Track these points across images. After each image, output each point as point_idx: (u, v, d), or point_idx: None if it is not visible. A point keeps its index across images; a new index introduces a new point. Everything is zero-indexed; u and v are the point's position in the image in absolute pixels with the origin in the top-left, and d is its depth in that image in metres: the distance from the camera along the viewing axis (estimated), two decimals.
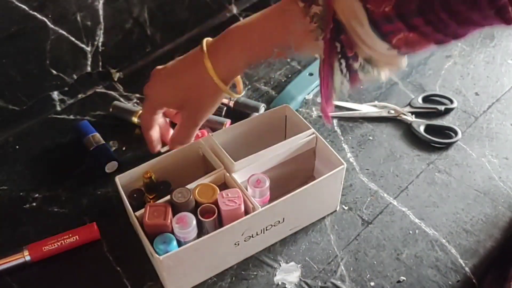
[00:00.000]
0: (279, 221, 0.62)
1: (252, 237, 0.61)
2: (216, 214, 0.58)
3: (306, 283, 0.62)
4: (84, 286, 0.63)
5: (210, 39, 0.61)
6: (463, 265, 0.63)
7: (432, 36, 0.49)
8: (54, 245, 0.64)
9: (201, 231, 0.58)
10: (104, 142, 0.77)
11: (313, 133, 0.66)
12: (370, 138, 0.79)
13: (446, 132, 0.79)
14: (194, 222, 0.57)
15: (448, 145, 0.77)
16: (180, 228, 0.56)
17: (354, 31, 0.51)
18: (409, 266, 0.63)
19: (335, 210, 0.69)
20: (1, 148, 0.79)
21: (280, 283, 0.62)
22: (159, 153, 0.68)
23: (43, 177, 0.75)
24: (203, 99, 0.62)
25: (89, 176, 0.75)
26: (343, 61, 0.54)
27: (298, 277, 0.62)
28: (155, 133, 0.68)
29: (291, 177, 0.68)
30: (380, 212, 0.69)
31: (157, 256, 0.54)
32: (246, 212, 0.60)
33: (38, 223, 0.69)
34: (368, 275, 0.62)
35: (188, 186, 0.60)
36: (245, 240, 0.61)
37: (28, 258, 0.63)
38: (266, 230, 0.62)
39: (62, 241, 0.64)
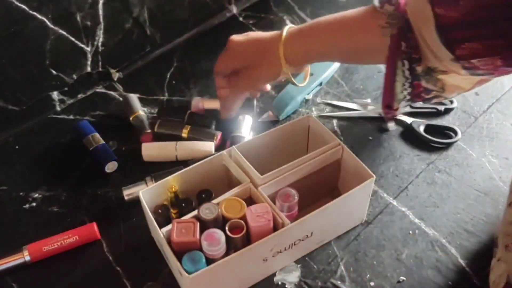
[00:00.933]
0: (307, 235, 0.61)
1: (280, 252, 0.60)
2: (245, 230, 0.57)
3: (306, 283, 0.62)
4: (84, 286, 0.63)
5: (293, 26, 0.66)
6: (464, 265, 0.63)
7: (499, 51, 0.48)
8: (54, 245, 0.64)
9: (229, 247, 0.57)
10: (104, 142, 0.77)
11: (339, 144, 0.65)
12: (370, 138, 0.79)
13: (446, 132, 0.79)
14: (224, 239, 0.55)
15: (448, 145, 0.77)
16: (209, 245, 0.54)
17: (421, 34, 0.52)
18: (409, 266, 0.63)
19: (362, 222, 0.68)
20: (1, 148, 0.79)
21: (280, 283, 0.62)
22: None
23: (43, 177, 0.75)
24: (266, 65, 0.66)
25: (89, 176, 0.75)
26: (406, 62, 0.54)
27: (298, 277, 0.62)
28: (223, 80, 0.72)
29: (315, 188, 0.66)
30: (380, 212, 0.69)
31: (186, 275, 0.53)
32: (275, 227, 0.58)
33: (38, 223, 0.69)
34: (368, 275, 0.62)
35: (214, 201, 0.59)
36: (273, 256, 0.59)
37: (28, 258, 0.63)
38: (294, 245, 0.61)
39: (62, 241, 0.64)
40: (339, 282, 0.62)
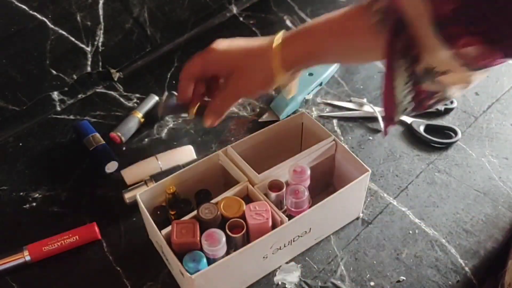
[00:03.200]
0: (305, 231, 0.61)
1: (280, 249, 0.60)
2: (245, 229, 0.57)
3: (306, 283, 0.62)
4: (84, 286, 0.63)
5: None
6: (463, 265, 0.63)
7: (499, 44, 0.46)
8: (54, 245, 0.64)
9: (230, 246, 0.57)
10: (104, 142, 0.77)
11: (333, 140, 0.65)
12: (370, 138, 0.79)
13: (446, 132, 0.79)
14: (224, 238, 0.55)
15: (448, 145, 0.77)
16: (210, 245, 0.54)
17: (417, 30, 0.49)
18: (409, 266, 0.63)
19: (358, 217, 0.68)
20: (1, 148, 0.79)
21: (280, 283, 0.62)
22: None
23: (43, 177, 0.75)
24: (255, 75, 0.61)
25: (89, 176, 0.75)
26: (403, 62, 0.51)
27: (298, 277, 0.62)
28: (190, 88, 0.65)
29: (311, 185, 0.66)
30: (380, 212, 0.69)
31: (189, 275, 0.53)
32: (274, 225, 0.58)
33: (38, 223, 0.69)
34: (368, 275, 0.62)
35: (213, 201, 0.59)
36: (273, 253, 0.60)
37: (28, 258, 0.63)
38: (294, 241, 0.61)
39: (62, 241, 0.64)
40: (339, 282, 0.62)
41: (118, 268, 0.64)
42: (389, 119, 0.56)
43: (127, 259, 0.65)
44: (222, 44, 0.63)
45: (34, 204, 0.72)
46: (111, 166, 0.74)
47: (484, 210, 0.69)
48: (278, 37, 0.59)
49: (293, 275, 0.63)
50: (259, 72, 0.61)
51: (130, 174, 0.71)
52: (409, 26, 0.50)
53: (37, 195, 0.73)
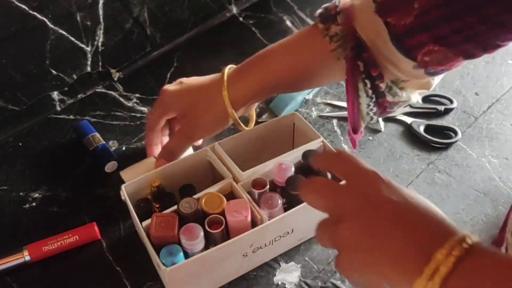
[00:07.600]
0: (288, 232, 0.61)
1: (261, 248, 0.60)
2: (223, 225, 0.57)
3: (306, 283, 0.62)
4: (84, 286, 0.63)
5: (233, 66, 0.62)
6: None
7: (460, 47, 0.46)
8: (54, 245, 0.64)
9: (208, 242, 0.57)
10: (104, 142, 0.77)
11: (322, 141, 0.65)
12: (370, 138, 0.79)
13: (446, 132, 0.79)
14: (202, 233, 0.55)
15: (448, 145, 0.77)
16: (188, 239, 0.55)
17: (377, 48, 0.50)
18: None
19: None
20: (1, 148, 0.79)
21: (280, 283, 0.62)
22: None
23: (43, 177, 0.75)
24: (207, 114, 0.62)
25: (89, 176, 0.75)
26: (368, 82, 0.52)
27: (298, 277, 0.62)
28: (156, 136, 0.68)
29: None
30: None
31: (164, 268, 0.53)
32: (254, 223, 0.58)
33: (38, 223, 0.69)
34: None
35: (195, 196, 0.59)
36: (253, 251, 0.60)
37: (28, 258, 0.63)
38: (275, 241, 0.61)
39: (62, 241, 0.64)
40: (339, 282, 0.62)
41: (118, 268, 0.64)
42: (355, 132, 0.57)
43: (127, 259, 0.65)
44: (173, 85, 0.64)
45: (34, 204, 0.72)
46: (111, 166, 0.74)
47: (484, 210, 0.69)
48: (225, 74, 0.59)
49: (293, 275, 0.63)
50: (212, 111, 0.61)
51: (129, 174, 0.71)
52: (368, 47, 0.50)
53: (37, 195, 0.73)
